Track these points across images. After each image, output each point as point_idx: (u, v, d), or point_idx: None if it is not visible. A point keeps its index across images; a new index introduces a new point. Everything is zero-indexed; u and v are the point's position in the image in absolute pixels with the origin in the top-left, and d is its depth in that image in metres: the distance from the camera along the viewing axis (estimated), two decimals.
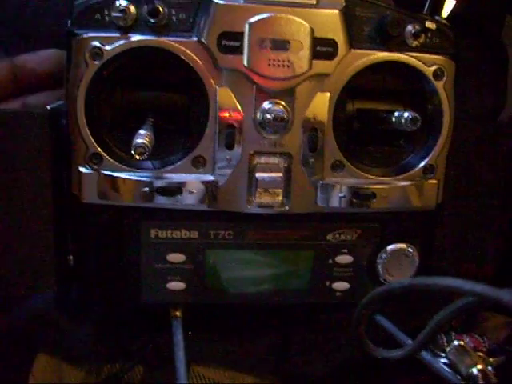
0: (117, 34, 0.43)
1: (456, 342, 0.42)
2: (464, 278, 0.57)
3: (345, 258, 0.50)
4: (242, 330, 0.61)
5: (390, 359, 0.45)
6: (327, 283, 0.50)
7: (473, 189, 0.53)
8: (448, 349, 0.43)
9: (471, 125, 0.52)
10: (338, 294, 0.51)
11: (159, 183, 0.45)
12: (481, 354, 0.44)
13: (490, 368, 0.42)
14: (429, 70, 0.47)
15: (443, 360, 0.44)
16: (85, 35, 0.43)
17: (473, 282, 0.32)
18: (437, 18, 0.49)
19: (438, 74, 0.47)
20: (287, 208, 0.46)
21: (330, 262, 0.50)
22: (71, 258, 0.49)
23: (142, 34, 0.43)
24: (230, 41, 0.43)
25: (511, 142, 0.56)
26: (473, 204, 0.53)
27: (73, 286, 0.51)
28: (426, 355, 0.45)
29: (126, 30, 0.43)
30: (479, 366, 0.41)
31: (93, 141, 0.44)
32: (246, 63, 0.43)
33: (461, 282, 0.32)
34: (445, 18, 0.49)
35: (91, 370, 0.62)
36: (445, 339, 0.46)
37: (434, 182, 0.49)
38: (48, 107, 0.46)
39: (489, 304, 0.36)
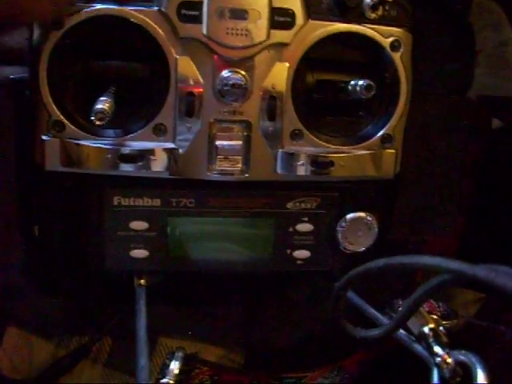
0: (78, 4, 0.44)
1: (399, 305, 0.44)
2: (427, 249, 0.59)
3: (305, 227, 0.51)
4: (208, 302, 0.61)
5: (369, 338, 0.46)
6: (288, 251, 0.51)
7: (431, 160, 0.54)
8: (399, 309, 0.44)
9: (430, 97, 0.53)
10: (298, 262, 0.52)
11: (121, 150, 0.46)
12: (434, 316, 0.46)
13: (441, 328, 0.43)
14: (386, 42, 0.48)
15: None
16: None
17: (449, 259, 0.32)
18: None
19: (395, 46, 0.48)
20: (247, 175, 0.47)
21: (291, 230, 0.51)
22: (36, 228, 0.50)
23: (103, 3, 0.44)
24: (190, 10, 0.44)
25: (477, 120, 0.58)
26: (431, 175, 0.54)
27: (39, 256, 0.52)
28: (381, 318, 0.46)
29: (86, 0, 0.44)
30: (430, 325, 0.42)
31: (55, 108, 0.45)
32: (205, 32, 0.44)
33: (438, 259, 0.33)
34: None
35: (60, 342, 0.63)
36: (400, 303, 0.47)
37: (392, 151, 0.50)
38: (11, 77, 0.47)
39: (465, 281, 0.36)
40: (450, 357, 0.39)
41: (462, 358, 0.39)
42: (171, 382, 0.40)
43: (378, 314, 0.47)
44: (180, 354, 0.43)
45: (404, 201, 0.53)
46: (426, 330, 0.42)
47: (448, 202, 0.56)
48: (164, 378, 0.41)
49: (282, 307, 0.62)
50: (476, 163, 0.64)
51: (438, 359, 0.40)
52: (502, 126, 0.68)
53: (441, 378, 0.40)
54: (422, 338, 0.42)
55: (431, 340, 0.41)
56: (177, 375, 0.41)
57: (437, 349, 0.40)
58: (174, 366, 0.42)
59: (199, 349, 0.63)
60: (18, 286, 0.56)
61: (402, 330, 0.45)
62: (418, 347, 0.42)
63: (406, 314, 0.40)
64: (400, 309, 0.46)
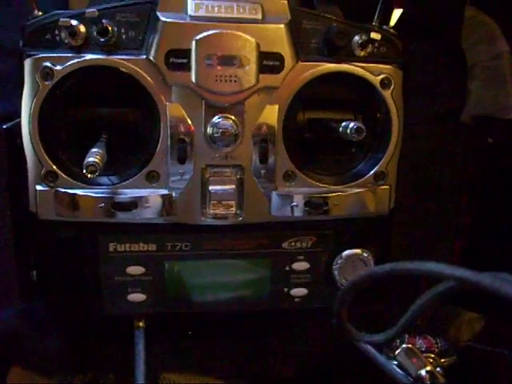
0: (68, 54, 0.44)
1: (404, 346, 0.44)
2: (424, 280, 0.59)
3: (301, 265, 0.51)
4: (209, 337, 0.62)
5: (372, 343, 0.46)
6: (285, 290, 0.52)
7: (427, 190, 0.54)
8: (397, 352, 0.44)
9: (423, 129, 0.53)
10: (296, 299, 0.52)
11: (115, 199, 0.46)
12: (432, 355, 0.46)
13: (438, 369, 0.43)
14: (376, 80, 0.48)
15: (395, 362, 0.45)
16: (36, 56, 0.44)
17: (453, 266, 0.32)
18: (385, 27, 0.50)
19: (385, 83, 0.48)
20: (241, 219, 0.48)
21: (287, 269, 0.51)
22: (34, 273, 0.50)
23: (93, 52, 0.44)
24: (178, 58, 0.44)
25: (472, 142, 0.58)
26: (427, 205, 0.54)
27: (37, 300, 0.52)
28: (379, 357, 0.46)
29: (76, 50, 0.44)
30: (427, 368, 0.42)
31: (47, 159, 0.45)
32: (194, 79, 0.44)
33: (442, 266, 0.33)
34: (401, 25, 0.49)
35: (64, 380, 0.63)
36: (398, 341, 0.47)
37: (386, 187, 0.50)
38: (4, 126, 0.47)
39: (469, 288, 0.36)
40: None
41: None
42: None
43: (378, 355, 0.47)
44: None
45: (400, 233, 0.53)
46: (422, 372, 0.42)
47: (445, 227, 0.56)
48: None
49: (284, 339, 0.62)
50: (473, 183, 0.64)
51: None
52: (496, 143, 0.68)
53: None
54: (418, 380, 0.42)
55: (428, 383, 0.42)
56: None
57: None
58: None
59: (201, 382, 0.63)
60: (17, 330, 0.57)
61: (400, 370, 0.45)
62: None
63: (410, 320, 0.40)
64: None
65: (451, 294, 0.40)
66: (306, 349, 0.62)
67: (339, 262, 0.51)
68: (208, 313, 0.55)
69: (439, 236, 0.56)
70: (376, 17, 0.50)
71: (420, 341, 0.47)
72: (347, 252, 0.51)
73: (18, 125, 0.46)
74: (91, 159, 0.42)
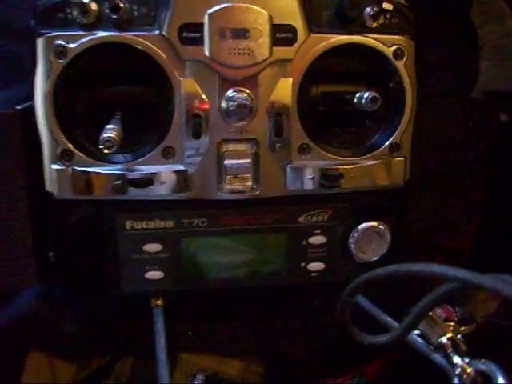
0: (80, 32, 0.44)
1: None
2: (439, 252, 0.59)
3: (318, 239, 0.51)
4: (225, 316, 0.62)
5: (376, 344, 0.46)
6: (302, 264, 0.52)
7: (441, 164, 0.54)
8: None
9: (436, 101, 0.53)
10: (313, 274, 0.52)
11: (131, 176, 0.46)
12: (452, 323, 0.45)
13: (459, 336, 0.43)
14: (389, 51, 0.47)
15: (416, 332, 0.45)
16: (48, 34, 0.44)
17: (456, 267, 0.32)
18: None
19: (398, 54, 0.48)
20: (257, 193, 0.48)
21: (304, 243, 0.51)
22: (51, 254, 0.51)
23: (105, 30, 0.44)
24: (191, 32, 0.44)
25: (485, 117, 0.57)
26: (442, 179, 0.54)
27: (55, 281, 0.53)
28: (395, 324, 0.46)
29: (88, 28, 0.44)
30: (448, 335, 0.42)
31: (63, 138, 0.45)
32: (207, 53, 0.44)
33: (444, 268, 0.33)
34: None
35: (82, 363, 0.63)
36: None
37: (401, 159, 0.50)
38: (18, 107, 0.47)
39: (472, 289, 0.36)
40: (469, 366, 0.39)
41: (481, 366, 0.39)
42: None
43: (390, 319, 0.47)
44: (200, 377, 0.43)
45: (415, 207, 0.53)
46: (444, 340, 0.42)
47: (460, 204, 0.56)
48: None
49: (300, 316, 0.62)
50: (486, 160, 0.63)
51: (458, 369, 0.39)
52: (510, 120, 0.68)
53: None
54: (440, 348, 0.42)
55: (450, 350, 0.41)
56: None
57: (456, 359, 0.40)
58: None
59: (219, 363, 0.63)
60: (36, 312, 0.57)
61: (420, 340, 0.45)
62: (438, 357, 0.42)
63: (414, 322, 0.40)
64: None
65: (454, 295, 0.40)
66: (322, 327, 0.62)
67: (355, 235, 0.51)
68: (224, 291, 0.55)
69: (454, 210, 0.56)
70: None
71: (439, 310, 0.47)
72: (363, 225, 0.51)
73: (33, 106, 0.46)
74: (107, 134, 0.42)
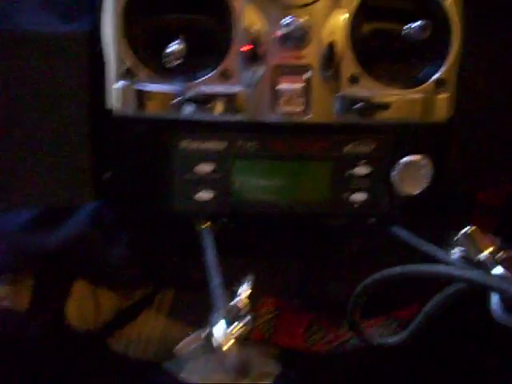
0: None
1: (467, 228, 0.45)
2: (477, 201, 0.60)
3: (362, 170, 0.53)
4: (266, 256, 0.64)
5: (385, 345, 0.47)
6: (345, 194, 0.54)
7: (486, 103, 0.55)
8: (458, 236, 0.45)
9: (485, 38, 0.54)
10: (355, 205, 0.54)
11: (189, 94, 0.49)
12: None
13: (499, 254, 0.44)
14: None
15: (455, 251, 0.46)
16: None
17: (463, 268, 0.33)
18: None
19: None
20: (308, 117, 0.50)
21: (348, 173, 0.53)
22: (106, 175, 0.54)
23: None
24: None
25: None
26: (485, 118, 0.55)
27: (109, 201, 0.56)
28: (441, 253, 0.48)
29: None
30: (489, 249, 0.44)
31: (128, 57, 0.48)
32: None
33: (451, 268, 0.34)
34: None
35: (125, 293, 0.66)
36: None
37: (446, 95, 0.52)
38: (86, 29, 0.51)
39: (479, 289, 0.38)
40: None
41: None
42: (239, 305, 0.43)
43: (437, 249, 0.48)
44: (249, 280, 0.45)
45: (458, 146, 0.55)
46: (483, 256, 0.43)
47: (504, 150, 0.57)
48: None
49: (339, 260, 0.64)
50: None
51: None
52: None
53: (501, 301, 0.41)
54: (481, 265, 0.43)
55: (489, 263, 0.43)
56: (245, 299, 0.43)
57: (496, 270, 0.42)
58: (243, 290, 0.44)
59: (256, 300, 0.65)
60: (86, 237, 0.60)
61: (462, 261, 0.46)
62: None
63: (423, 322, 0.41)
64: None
65: (461, 296, 0.41)
66: (361, 268, 0.64)
67: (398, 167, 0.53)
68: (266, 226, 0.57)
69: (496, 157, 0.57)
70: None
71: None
72: (406, 158, 0.53)
73: (98, 32, 0.49)
74: (171, 49, 0.45)
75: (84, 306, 0.66)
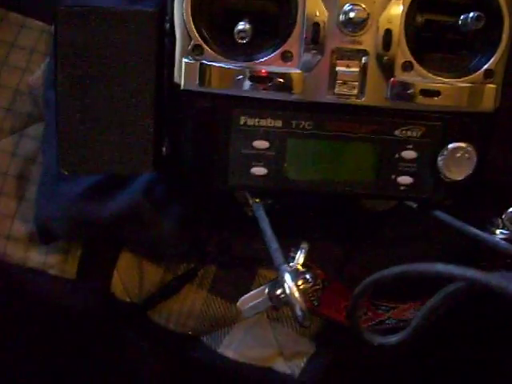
0: None
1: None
2: None
3: (410, 154, 0.56)
4: (306, 237, 0.66)
5: (386, 345, 0.49)
6: (393, 177, 0.56)
7: None
8: (503, 217, 0.47)
9: None
10: (402, 187, 0.56)
11: (251, 73, 0.52)
12: None
13: None
14: None
15: (501, 236, 0.49)
16: None
17: (463, 267, 0.34)
18: None
19: None
20: (362, 100, 0.53)
21: (397, 156, 0.56)
22: (165, 147, 0.57)
23: None
24: None
25: None
26: None
27: (166, 173, 0.58)
28: (485, 235, 0.50)
29: None
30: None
31: (196, 34, 0.51)
32: None
33: (451, 267, 0.35)
34: None
35: (169, 267, 0.69)
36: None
37: (493, 86, 0.54)
38: (155, 9, 0.54)
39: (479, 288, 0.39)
40: None
41: None
42: (298, 266, 0.45)
43: (480, 232, 0.51)
44: (305, 246, 0.48)
45: (502, 137, 0.57)
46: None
47: None
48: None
49: (377, 246, 0.66)
50: None
51: None
52: None
53: None
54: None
55: None
56: (302, 264, 0.46)
57: None
58: (300, 255, 0.46)
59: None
60: (137, 208, 0.62)
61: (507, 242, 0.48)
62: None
63: (422, 322, 0.43)
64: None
65: (461, 295, 0.43)
66: (399, 254, 0.66)
67: (444, 153, 0.55)
68: (317, 196, 0.59)
69: None
70: None
71: None
72: (452, 145, 0.55)
73: (165, 10, 0.53)
74: (241, 27, 0.48)
75: (129, 277, 0.69)
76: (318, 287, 0.59)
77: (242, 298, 0.44)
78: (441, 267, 0.36)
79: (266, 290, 0.43)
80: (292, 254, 0.48)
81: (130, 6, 0.61)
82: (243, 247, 0.65)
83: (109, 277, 0.69)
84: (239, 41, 0.48)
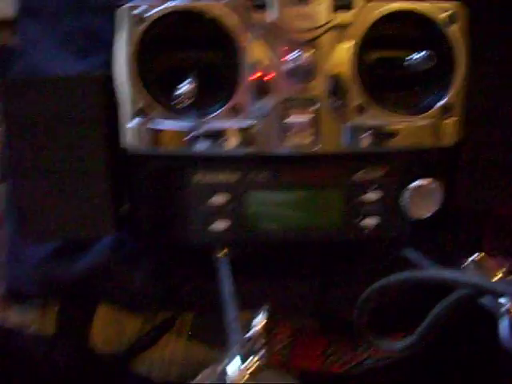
0: (155, 1, 0.49)
1: (475, 255, 0.46)
2: (492, 218, 0.60)
3: (373, 195, 0.54)
4: (280, 276, 0.65)
5: (391, 350, 0.48)
6: (356, 220, 0.55)
7: (497, 124, 0.56)
8: (468, 263, 0.46)
9: (491, 61, 0.55)
10: (368, 230, 0.55)
11: (200, 131, 0.50)
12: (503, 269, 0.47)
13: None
14: (442, 16, 0.50)
15: None
16: (126, 5, 0.49)
17: (468, 274, 0.34)
18: None
19: (451, 20, 0.51)
20: (316, 149, 0.51)
21: (359, 199, 0.54)
22: (124, 207, 0.56)
23: None
24: None
25: None
26: (496, 140, 0.56)
27: (128, 233, 0.58)
28: (448, 274, 0.48)
29: None
30: (497, 276, 0.45)
31: (142, 96, 0.50)
32: (274, 18, 0.48)
33: (456, 274, 0.35)
34: None
35: (147, 317, 0.68)
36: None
37: (453, 120, 0.52)
38: (101, 73, 0.53)
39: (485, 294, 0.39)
40: None
41: None
42: (254, 337, 0.44)
43: (448, 272, 0.49)
44: (264, 310, 0.47)
45: (467, 167, 0.56)
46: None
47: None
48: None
49: (354, 277, 0.65)
50: None
51: (503, 309, 0.41)
52: None
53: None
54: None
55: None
56: (261, 329, 0.45)
57: (502, 299, 0.42)
58: (258, 321, 0.45)
59: (273, 320, 0.66)
60: (108, 264, 0.62)
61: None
62: (487, 299, 0.45)
63: (428, 328, 0.42)
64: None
65: (467, 302, 0.42)
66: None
67: (408, 192, 0.54)
68: (280, 248, 0.58)
69: (508, 169, 0.58)
70: None
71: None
72: (416, 182, 0.54)
73: (110, 72, 0.51)
74: (181, 90, 0.47)
75: (108, 329, 0.68)
76: (287, 342, 0.58)
77: (197, 377, 0.43)
78: (447, 274, 0.36)
79: (218, 370, 0.42)
80: (252, 319, 0.47)
81: (77, 62, 0.59)
82: (218, 292, 0.65)
83: (88, 330, 0.68)
84: (184, 102, 0.47)
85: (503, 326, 0.42)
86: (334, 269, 0.65)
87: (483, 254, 0.46)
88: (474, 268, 0.47)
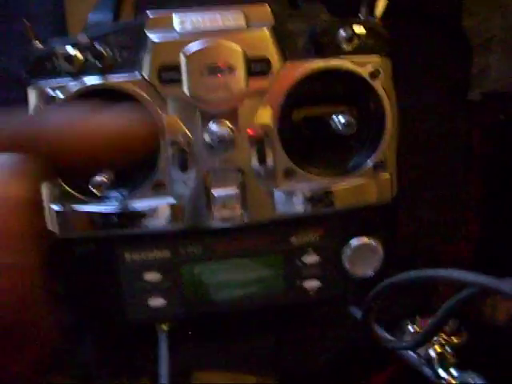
0: (67, 80, 0.47)
1: (410, 327, 0.45)
2: (440, 259, 0.59)
3: (312, 258, 0.52)
4: (235, 335, 0.64)
5: (399, 349, 0.47)
6: (298, 283, 0.53)
7: (432, 172, 0.54)
8: (405, 334, 0.45)
9: (422, 110, 0.54)
10: (310, 292, 0.53)
11: (125, 212, 0.48)
12: (442, 334, 0.46)
13: (448, 349, 0.44)
14: (364, 71, 0.49)
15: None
16: (37, 84, 0.47)
17: (475, 273, 0.34)
18: (371, 18, 0.50)
19: (374, 74, 0.49)
20: (247, 219, 0.49)
21: (298, 263, 0.52)
22: (60, 287, 0.54)
23: (92, 74, 0.47)
24: (169, 72, 0.46)
25: (481, 119, 0.58)
26: (434, 187, 0.55)
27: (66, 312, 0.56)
28: (394, 342, 0.47)
29: (76, 75, 0.47)
30: (436, 348, 0.43)
31: (61, 181, 0.48)
32: (186, 91, 0.46)
33: (465, 273, 0.34)
34: (393, 9, 0.50)
35: None
36: (409, 324, 0.48)
37: (386, 176, 0.51)
38: None
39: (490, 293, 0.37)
40: (455, 380, 0.40)
41: (468, 379, 0.40)
42: None
43: (386, 334, 0.48)
44: None
45: (407, 218, 0.54)
46: (431, 353, 0.43)
47: (455, 209, 0.57)
48: None
49: (308, 330, 0.64)
50: (484, 163, 0.63)
51: (444, 382, 0.40)
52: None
53: None
54: (428, 361, 0.43)
55: (436, 364, 0.42)
56: None
57: (441, 372, 0.41)
58: None
59: (233, 379, 0.65)
60: (54, 338, 0.60)
61: (412, 352, 0.46)
62: (427, 370, 0.43)
63: (436, 326, 0.41)
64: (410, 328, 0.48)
65: (472, 300, 0.41)
66: (331, 337, 0.63)
67: (348, 251, 0.52)
68: (228, 312, 0.57)
69: (449, 216, 0.56)
70: (362, 8, 0.50)
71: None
72: (355, 241, 0.52)
73: None
74: (98, 178, 0.45)
75: None
76: None
77: None
78: (456, 273, 0.35)
79: None
80: None
81: None
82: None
83: None
84: (97, 193, 0.45)
85: None
86: (286, 327, 0.64)
87: (416, 326, 0.45)
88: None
